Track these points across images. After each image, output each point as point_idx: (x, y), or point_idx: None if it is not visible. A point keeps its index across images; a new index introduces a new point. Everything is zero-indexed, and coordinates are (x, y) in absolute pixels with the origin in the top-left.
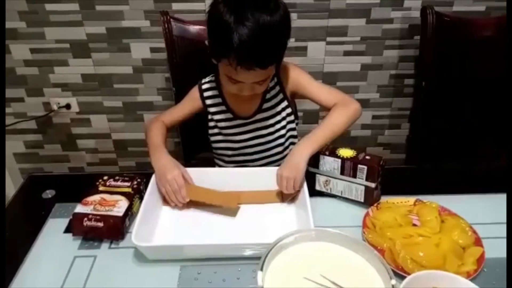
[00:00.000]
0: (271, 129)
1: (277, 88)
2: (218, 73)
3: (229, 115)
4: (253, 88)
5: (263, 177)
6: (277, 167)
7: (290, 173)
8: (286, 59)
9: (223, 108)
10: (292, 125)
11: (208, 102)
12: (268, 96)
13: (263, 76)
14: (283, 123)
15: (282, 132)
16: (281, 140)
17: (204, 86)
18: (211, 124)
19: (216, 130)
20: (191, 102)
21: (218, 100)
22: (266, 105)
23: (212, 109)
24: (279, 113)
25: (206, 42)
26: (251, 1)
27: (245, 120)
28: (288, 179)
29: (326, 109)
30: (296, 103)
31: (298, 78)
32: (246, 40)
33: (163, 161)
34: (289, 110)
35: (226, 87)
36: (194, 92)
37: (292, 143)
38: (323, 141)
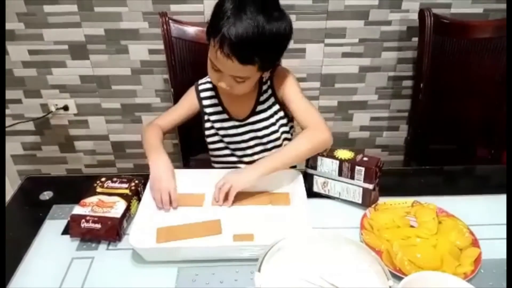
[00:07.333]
0: (266, 131)
1: (269, 91)
2: None
3: (225, 116)
4: (231, 85)
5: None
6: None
7: (232, 180)
8: (284, 62)
9: (219, 108)
10: (286, 128)
11: (205, 102)
12: (261, 98)
13: (240, 73)
14: (276, 126)
15: (277, 135)
16: (277, 143)
17: (201, 87)
18: (208, 125)
19: (212, 131)
20: (188, 103)
21: (215, 101)
22: (259, 108)
23: (208, 110)
24: (272, 116)
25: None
26: (258, 1)
27: (240, 122)
28: (226, 183)
29: (300, 127)
30: None
31: (287, 88)
32: (235, 29)
33: (160, 165)
34: (281, 113)
35: (209, 73)
36: (191, 93)
37: None
38: (280, 166)
